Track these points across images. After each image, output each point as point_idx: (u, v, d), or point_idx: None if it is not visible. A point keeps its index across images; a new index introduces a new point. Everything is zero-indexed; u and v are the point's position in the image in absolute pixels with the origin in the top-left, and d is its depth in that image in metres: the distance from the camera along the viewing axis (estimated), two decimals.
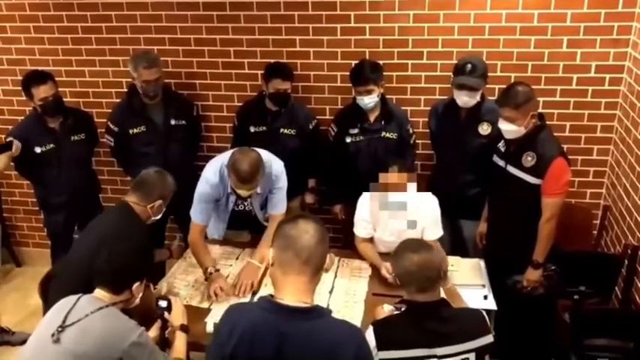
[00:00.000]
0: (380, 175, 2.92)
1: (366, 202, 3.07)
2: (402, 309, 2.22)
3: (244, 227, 3.47)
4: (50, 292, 2.63)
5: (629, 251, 3.12)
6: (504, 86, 3.30)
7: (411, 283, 2.06)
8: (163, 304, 2.44)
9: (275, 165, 3.07)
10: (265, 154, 2.97)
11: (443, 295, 2.30)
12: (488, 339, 2.03)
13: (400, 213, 2.94)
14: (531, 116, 2.86)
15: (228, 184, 2.94)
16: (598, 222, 3.71)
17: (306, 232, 1.67)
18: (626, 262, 3.15)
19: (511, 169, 2.97)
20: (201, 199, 2.99)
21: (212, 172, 2.97)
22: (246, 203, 3.15)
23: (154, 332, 2.42)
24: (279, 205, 3.12)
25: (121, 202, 2.78)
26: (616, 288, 3.27)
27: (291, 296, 1.65)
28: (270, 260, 1.72)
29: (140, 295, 2.29)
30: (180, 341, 2.37)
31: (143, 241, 2.54)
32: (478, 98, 3.23)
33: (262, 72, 3.59)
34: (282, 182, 3.10)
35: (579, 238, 3.57)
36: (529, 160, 2.88)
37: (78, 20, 3.96)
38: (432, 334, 1.99)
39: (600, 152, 3.66)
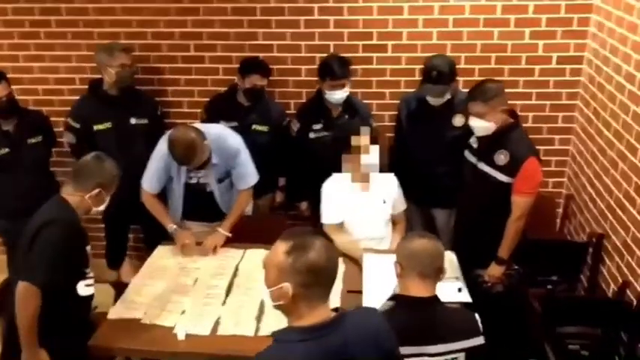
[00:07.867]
0: (352, 137, 2.92)
1: (333, 187, 3.04)
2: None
3: (201, 213, 3.26)
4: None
5: (594, 239, 3.19)
6: (469, 78, 3.32)
7: (415, 266, 1.98)
8: None
9: (231, 140, 3.10)
10: (217, 129, 3.08)
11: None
12: (479, 340, 2.00)
13: (373, 173, 3.03)
14: (502, 111, 2.83)
15: None
16: (561, 210, 3.79)
17: (329, 259, 1.54)
18: (590, 249, 3.21)
19: (482, 167, 2.94)
20: (153, 166, 3.06)
21: (164, 142, 2.96)
22: (200, 175, 3.11)
23: None
24: (245, 179, 3.18)
25: (53, 198, 2.47)
26: (581, 275, 3.35)
27: (317, 318, 1.54)
28: (290, 293, 1.52)
29: None
30: None
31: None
32: (448, 96, 3.23)
33: (224, 66, 3.48)
34: (244, 156, 3.13)
35: (543, 227, 3.62)
36: (502, 158, 2.84)
37: (25, 13, 3.74)
38: (425, 332, 1.94)
39: (562, 142, 3.73)
